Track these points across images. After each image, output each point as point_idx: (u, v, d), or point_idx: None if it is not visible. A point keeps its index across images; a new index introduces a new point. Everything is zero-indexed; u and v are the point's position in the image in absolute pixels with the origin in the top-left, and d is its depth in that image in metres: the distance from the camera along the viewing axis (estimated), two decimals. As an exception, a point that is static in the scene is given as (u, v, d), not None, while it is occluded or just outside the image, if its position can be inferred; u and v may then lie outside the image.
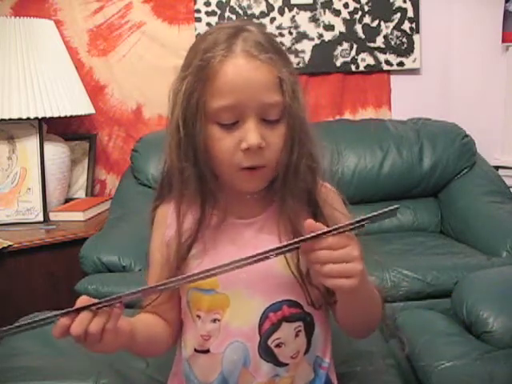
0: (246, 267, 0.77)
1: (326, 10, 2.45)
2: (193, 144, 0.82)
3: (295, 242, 0.72)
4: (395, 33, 2.48)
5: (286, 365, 0.87)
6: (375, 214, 0.69)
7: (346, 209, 0.90)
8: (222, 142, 0.81)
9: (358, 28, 2.47)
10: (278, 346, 0.86)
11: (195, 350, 0.89)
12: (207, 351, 0.88)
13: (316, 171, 0.86)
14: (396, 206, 0.69)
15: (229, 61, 0.79)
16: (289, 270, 0.84)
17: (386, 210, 0.69)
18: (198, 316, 0.88)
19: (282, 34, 2.43)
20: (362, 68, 2.49)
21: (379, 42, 2.48)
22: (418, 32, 2.49)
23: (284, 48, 0.85)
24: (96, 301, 0.73)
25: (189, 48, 0.86)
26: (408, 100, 2.54)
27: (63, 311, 0.71)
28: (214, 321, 0.87)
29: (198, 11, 2.41)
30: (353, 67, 2.49)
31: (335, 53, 2.48)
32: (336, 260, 0.71)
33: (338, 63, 2.48)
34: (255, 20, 2.38)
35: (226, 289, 0.85)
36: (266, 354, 0.86)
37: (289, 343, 0.86)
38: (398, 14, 2.47)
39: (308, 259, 0.73)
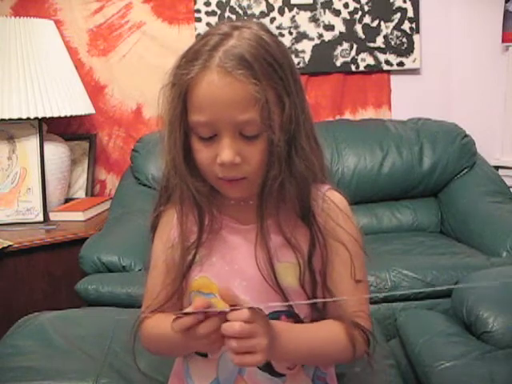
0: (246, 276, 0.82)
1: (326, 10, 2.45)
2: (175, 151, 0.83)
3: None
4: (395, 33, 2.48)
5: (283, 375, 0.86)
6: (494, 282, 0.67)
7: (352, 223, 0.88)
8: (200, 153, 0.82)
9: (358, 28, 2.47)
10: None
11: (195, 352, 0.89)
12: (205, 355, 0.87)
13: (305, 186, 0.83)
14: None
15: (203, 77, 0.78)
16: (290, 280, 0.84)
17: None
18: None
19: (282, 34, 2.43)
20: (362, 68, 2.49)
21: (379, 42, 2.48)
22: (418, 32, 2.49)
23: (281, 56, 0.80)
24: (223, 306, 0.74)
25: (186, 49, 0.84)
26: (408, 100, 2.54)
27: (195, 311, 0.72)
28: None
29: (198, 11, 2.41)
30: (353, 67, 2.49)
31: (335, 53, 2.48)
32: (245, 336, 0.71)
33: (338, 63, 2.48)
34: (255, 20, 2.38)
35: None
36: None
37: None
38: (398, 14, 2.47)
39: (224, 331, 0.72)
